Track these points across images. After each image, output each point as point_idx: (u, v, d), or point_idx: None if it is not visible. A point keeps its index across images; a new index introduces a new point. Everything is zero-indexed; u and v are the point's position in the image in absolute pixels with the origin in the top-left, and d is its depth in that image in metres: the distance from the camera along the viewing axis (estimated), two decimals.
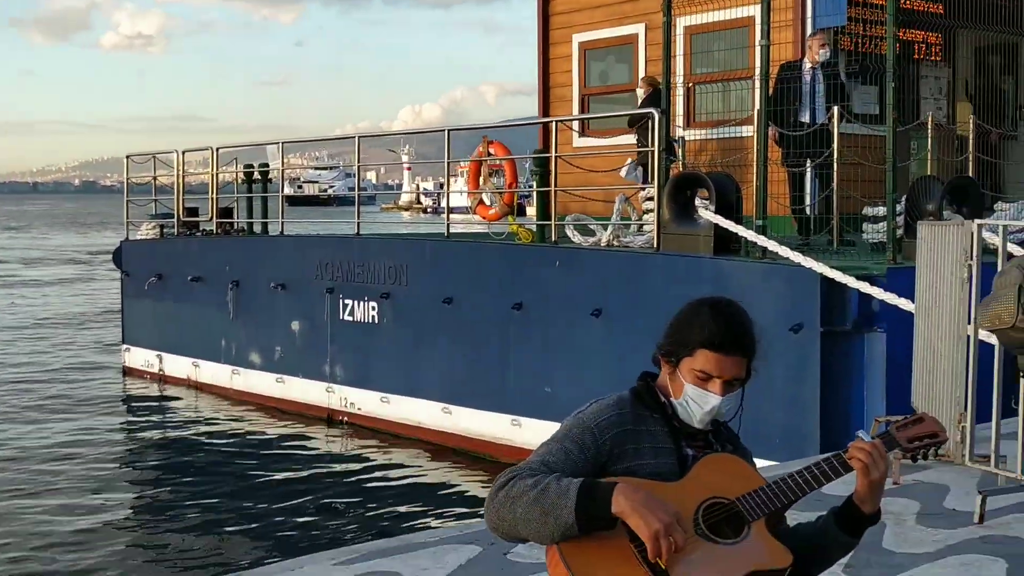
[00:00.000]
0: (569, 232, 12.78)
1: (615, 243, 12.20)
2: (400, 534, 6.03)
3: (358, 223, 14.91)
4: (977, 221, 6.88)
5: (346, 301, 14.21)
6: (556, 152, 13.25)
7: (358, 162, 15.59)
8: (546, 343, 11.85)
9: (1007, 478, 6.34)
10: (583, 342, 11.38)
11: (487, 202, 14.76)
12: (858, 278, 9.43)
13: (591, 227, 12.76)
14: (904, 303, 8.58)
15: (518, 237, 13.79)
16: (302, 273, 14.87)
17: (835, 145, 11.29)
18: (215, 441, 14.21)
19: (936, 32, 14.66)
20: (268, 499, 11.49)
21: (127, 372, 18.40)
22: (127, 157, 19.35)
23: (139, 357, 18.12)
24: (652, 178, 11.70)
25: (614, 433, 2.88)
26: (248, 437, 14.32)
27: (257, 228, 17.44)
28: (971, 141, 12.75)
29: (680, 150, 13.22)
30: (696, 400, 2.93)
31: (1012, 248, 6.66)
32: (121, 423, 15.81)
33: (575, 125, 16.36)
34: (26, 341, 23.44)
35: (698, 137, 13.98)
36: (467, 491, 11.62)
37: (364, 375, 14.12)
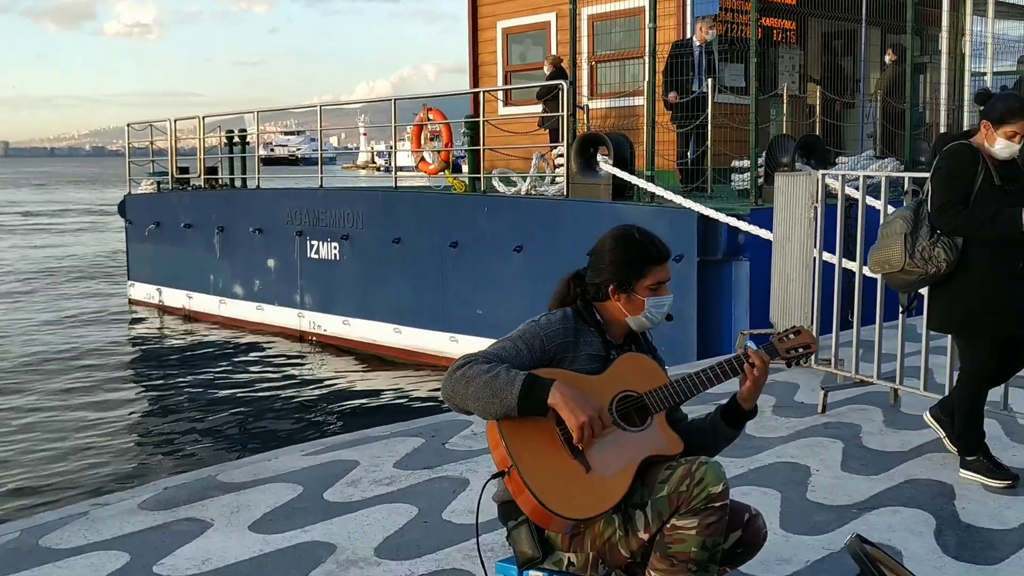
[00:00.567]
0: (495, 183, 12.72)
1: (532, 192, 12.15)
2: (358, 430, 5.97)
3: (321, 178, 14.72)
4: (821, 171, 6.93)
5: (312, 242, 14.05)
6: (484, 118, 13.16)
7: (320, 128, 15.37)
8: (477, 274, 11.81)
9: (844, 377, 6.43)
10: (507, 273, 11.36)
11: (428, 160, 14.62)
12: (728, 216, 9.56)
13: (513, 179, 12.71)
14: (764, 233, 8.71)
15: (454, 188, 13.70)
16: (276, 220, 14.66)
17: (709, 111, 11.30)
18: (205, 358, 14.04)
19: (791, 20, 14.72)
20: (249, 403, 11.41)
21: (132, 303, 18.11)
22: (128, 125, 18.93)
23: (142, 291, 17.83)
24: (562, 138, 11.65)
25: (558, 343, 2.91)
26: (233, 354, 14.17)
27: (238, 183, 17.18)
28: (818, 108, 12.86)
29: (585, 115, 13.17)
30: (655, 307, 3.01)
31: (850, 192, 6.70)
32: (126, 339, 15.75)
33: (500, 96, 16.25)
34: (50, 277, 23.25)
35: (600, 106, 13.95)
36: (413, 394, 11.61)
37: (328, 302, 14.00)
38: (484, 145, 13.41)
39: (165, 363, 13.88)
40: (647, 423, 2.88)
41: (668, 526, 2.75)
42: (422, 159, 14.75)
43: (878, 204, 6.33)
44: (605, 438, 2.79)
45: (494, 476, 2.85)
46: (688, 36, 12.71)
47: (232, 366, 13.44)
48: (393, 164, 15.23)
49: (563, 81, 11.72)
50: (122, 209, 18.30)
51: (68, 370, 13.17)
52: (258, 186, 16.09)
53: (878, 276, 5.20)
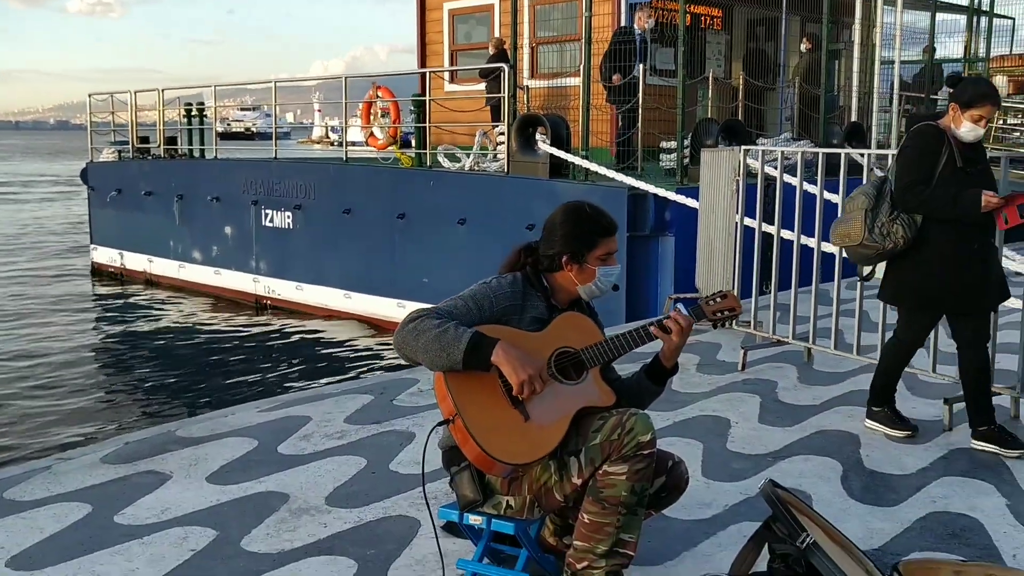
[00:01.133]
0: (441, 159, 12.63)
1: (476, 168, 12.09)
2: (311, 388, 5.92)
3: (276, 150, 14.49)
4: (743, 147, 6.99)
5: (267, 211, 13.85)
6: (430, 96, 13.02)
7: (275, 104, 15.10)
8: (423, 244, 11.74)
9: (762, 337, 6.53)
10: (451, 243, 11.31)
11: (377, 135, 14.46)
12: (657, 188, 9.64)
13: (457, 155, 12.63)
14: (691, 202, 8.78)
15: (402, 163, 13.58)
16: (232, 189, 14.41)
17: (640, 94, 11.31)
18: (165, 319, 13.82)
19: (718, 8, 14.76)
20: (207, 363, 11.27)
21: (95, 267, 17.74)
22: (89, 96, 18.39)
23: (104, 255, 17.44)
24: (503, 118, 11.59)
25: (506, 304, 2.92)
26: (191, 316, 13.96)
27: (196, 154, 16.84)
28: (741, 92, 12.93)
29: (525, 96, 13.11)
30: (605, 276, 3.01)
31: (768, 170, 6.76)
32: (89, 300, 15.49)
33: (446, 75, 16.10)
34: (19, 241, 22.84)
35: (540, 86, 13.88)
36: (362, 355, 11.56)
37: (282, 269, 13.83)
38: (430, 122, 13.30)
39: (121, 323, 13.66)
40: (582, 377, 2.91)
41: (600, 472, 2.78)
42: (371, 134, 14.59)
43: (794, 181, 6.42)
44: (543, 391, 2.82)
45: (439, 423, 2.87)
46: (624, 24, 12.69)
47: (191, 327, 13.24)
48: (344, 139, 15.02)
49: (504, 64, 11.64)
50: (84, 176, 17.87)
51: (30, 328, 12.91)
52: (216, 156, 15.80)
53: (836, 249, 5.24)
